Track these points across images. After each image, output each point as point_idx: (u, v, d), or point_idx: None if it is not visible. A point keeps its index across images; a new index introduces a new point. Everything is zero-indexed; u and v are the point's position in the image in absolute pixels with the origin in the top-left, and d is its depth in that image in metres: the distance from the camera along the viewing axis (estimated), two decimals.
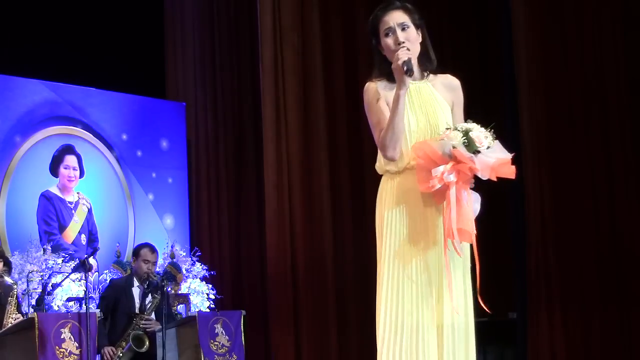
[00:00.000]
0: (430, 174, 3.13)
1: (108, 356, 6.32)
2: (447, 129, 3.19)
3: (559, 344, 6.60)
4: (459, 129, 3.15)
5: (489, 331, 7.33)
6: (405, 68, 3.15)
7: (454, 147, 3.12)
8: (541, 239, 6.71)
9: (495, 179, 3.19)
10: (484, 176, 3.15)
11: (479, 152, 3.12)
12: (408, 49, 3.22)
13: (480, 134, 3.13)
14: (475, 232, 3.18)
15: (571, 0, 6.79)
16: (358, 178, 7.87)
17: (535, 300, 6.70)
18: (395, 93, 3.19)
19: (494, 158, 3.14)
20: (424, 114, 3.29)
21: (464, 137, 3.12)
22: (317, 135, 7.97)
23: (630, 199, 6.52)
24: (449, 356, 3.20)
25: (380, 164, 3.34)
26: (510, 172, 3.19)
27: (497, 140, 3.18)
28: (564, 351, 6.59)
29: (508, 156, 3.20)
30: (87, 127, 8.34)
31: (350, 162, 7.95)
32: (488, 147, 3.13)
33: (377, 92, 3.31)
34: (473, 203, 3.19)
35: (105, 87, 8.51)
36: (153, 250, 6.76)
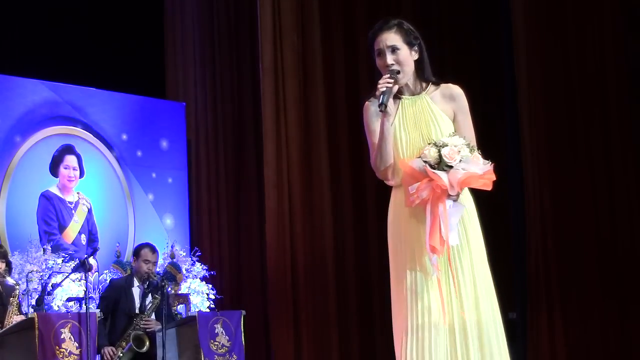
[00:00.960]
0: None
1: (108, 356, 6.31)
2: (429, 144, 3.29)
3: (559, 344, 6.61)
4: (437, 144, 3.26)
5: None
6: (380, 101, 3.27)
7: (426, 164, 3.24)
8: (541, 239, 6.72)
9: (460, 192, 3.27)
10: (452, 191, 3.24)
11: (451, 167, 3.22)
12: (392, 77, 3.32)
13: (454, 149, 3.23)
14: (447, 244, 3.25)
15: (571, 2, 6.79)
16: (358, 178, 7.87)
17: (535, 300, 6.70)
18: (381, 120, 3.33)
19: (462, 172, 3.23)
20: (417, 127, 3.38)
21: (438, 154, 3.24)
22: (317, 135, 7.97)
23: (631, 199, 6.52)
24: (462, 356, 3.24)
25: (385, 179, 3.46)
26: (481, 184, 3.29)
27: (476, 152, 3.27)
28: (564, 351, 6.60)
29: (481, 170, 3.26)
30: (87, 127, 8.34)
31: (351, 161, 7.95)
32: (460, 161, 3.22)
33: (372, 113, 3.42)
34: (450, 217, 3.26)
35: (105, 87, 8.50)
36: (153, 250, 6.76)
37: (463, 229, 3.34)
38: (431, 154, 3.24)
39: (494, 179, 3.29)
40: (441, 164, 3.22)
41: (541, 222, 6.73)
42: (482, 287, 3.32)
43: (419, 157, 3.28)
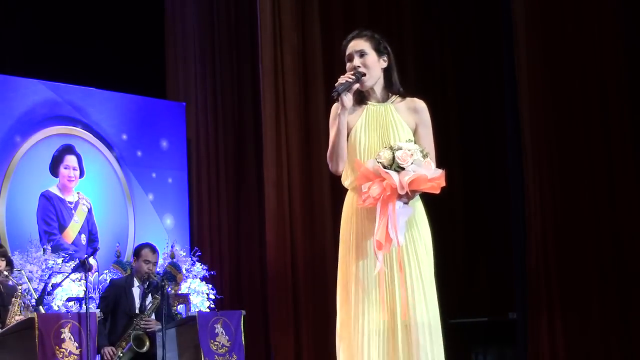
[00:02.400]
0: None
1: (108, 356, 6.32)
2: (385, 147, 3.42)
3: (559, 344, 6.61)
4: (392, 147, 3.39)
5: (489, 331, 7.33)
6: (334, 91, 3.45)
7: (379, 164, 3.38)
8: (541, 240, 6.72)
9: (410, 193, 3.38)
10: (402, 191, 3.36)
11: (402, 169, 3.35)
12: (354, 75, 3.51)
13: (407, 152, 3.36)
14: (396, 243, 3.37)
15: (572, 2, 6.79)
16: None
17: (535, 300, 6.70)
18: (338, 115, 3.49)
19: (411, 174, 3.35)
20: (377, 133, 3.52)
21: (392, 156, 3.38)
22: (317, 136, 7.96)
23: (631, 199, 6.52)
24: (397, 356, 3.35)
25: (342, 180, 3.62)
26: (429, 187, 3.39)
27: (428, 158, 3.41)
28: (564, 351, 6.59)
29: (430, 174, 3.37)
30: (87, 127, 8.34)
31: None
32: (412, 163, 3.35)
33: (334, 112, 3.57)
34: (399, 217, 3.38)
35: (105, 87, 8.51)
36: (154, 250, 6.76)
37: (410, 233, 3.45)
38: (385, 155, 3.38)
39: (443, 184, 3.41)
40: (393, 165, 3.36)
41: (541, 222, 6.73)
42: (426, 290, 3.41)
43: (374, 158, 3.42)
